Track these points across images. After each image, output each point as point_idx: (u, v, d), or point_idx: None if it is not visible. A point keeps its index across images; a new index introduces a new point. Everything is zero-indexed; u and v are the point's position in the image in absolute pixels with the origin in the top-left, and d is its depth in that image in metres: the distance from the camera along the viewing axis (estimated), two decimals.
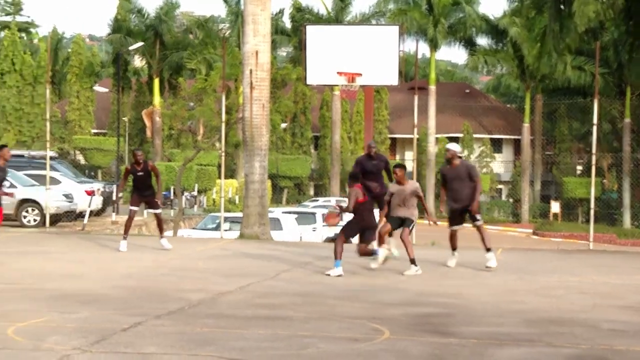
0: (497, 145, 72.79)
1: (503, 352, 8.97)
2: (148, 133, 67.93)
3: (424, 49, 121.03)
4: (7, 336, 9.13)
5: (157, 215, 18.78)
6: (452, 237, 16.53)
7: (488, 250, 16.32)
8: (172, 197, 46.91)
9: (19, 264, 15.65)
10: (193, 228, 32.40)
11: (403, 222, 15.52)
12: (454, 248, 16.61)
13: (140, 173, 18.30)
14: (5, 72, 69.82)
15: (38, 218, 27.10)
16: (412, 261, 15.30)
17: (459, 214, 16.23)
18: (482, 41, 66.15)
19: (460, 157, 16.24)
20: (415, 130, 23.91)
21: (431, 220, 16.49)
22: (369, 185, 16.43)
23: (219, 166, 33.84)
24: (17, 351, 8.53)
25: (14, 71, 69.62)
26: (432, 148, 64.65)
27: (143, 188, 18.42)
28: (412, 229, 15.80)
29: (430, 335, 9.67)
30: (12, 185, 27.57)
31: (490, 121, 73.82)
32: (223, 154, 24.58)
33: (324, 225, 34.25)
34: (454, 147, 16.39)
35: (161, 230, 18.93)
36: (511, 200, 69.34)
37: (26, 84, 69.79)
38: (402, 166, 15.73)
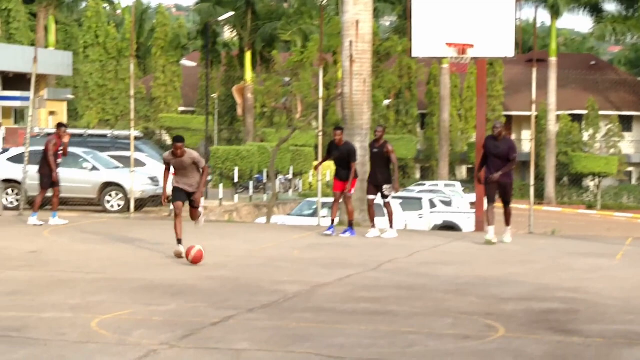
0: (626, 123, 71.44)
1: (633, 352, 8.84)
2: (239, 111, 68.51)
3: (544, 16, 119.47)
4: (91, 329, 9.35)
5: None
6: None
7: None
8: (265, 181, 47.35)
9: (103, 253, 15.97)
10: (288, 214, 32.64)
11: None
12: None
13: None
14: (88, 45, 70.90)
15: (122, 203, 27.56)
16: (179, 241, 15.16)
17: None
18: (610, 7, 65.13)
19: None
20: (534, 107, 23.62)
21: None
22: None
23: (317, 147, 33.97)
24: (102, 345, 8.73)
25: (98, 44, 70.70)
26: (553, 127, 63.78)
27: None
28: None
29: (550, 334, 9.58)
30: (94, 168, 28.18)
31: (618, 96, 72.47)
32: (321, 133, 24.68)
33: (431, 212, 34.18)
34: None
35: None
36: None
37: (110, 57, 70.84)
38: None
